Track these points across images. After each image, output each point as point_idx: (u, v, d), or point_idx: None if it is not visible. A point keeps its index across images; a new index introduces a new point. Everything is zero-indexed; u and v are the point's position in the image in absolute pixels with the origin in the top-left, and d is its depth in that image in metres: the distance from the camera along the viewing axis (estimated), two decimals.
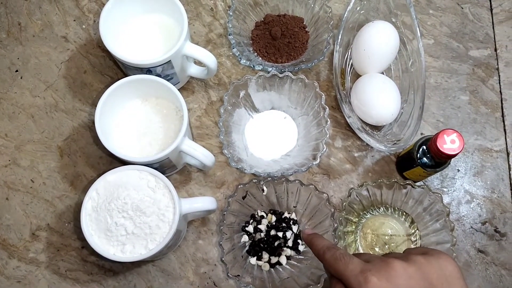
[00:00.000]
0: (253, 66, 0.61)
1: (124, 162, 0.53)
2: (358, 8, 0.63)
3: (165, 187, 0.50)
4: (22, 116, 0.62)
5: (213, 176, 0.60)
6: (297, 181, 0.56)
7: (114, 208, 0.48)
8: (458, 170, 0.62)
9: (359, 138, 0.62)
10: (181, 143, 0.51)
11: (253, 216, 0.58)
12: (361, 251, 0.57)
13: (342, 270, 0.40)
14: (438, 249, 0.55)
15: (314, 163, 0.56)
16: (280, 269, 0.56)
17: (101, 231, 0.48)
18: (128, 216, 0.48)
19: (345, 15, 0.62)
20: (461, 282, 0.40)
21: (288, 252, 0.56)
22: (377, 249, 0.57)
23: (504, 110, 0.64)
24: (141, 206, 0.48)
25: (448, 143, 0.50)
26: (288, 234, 0.57)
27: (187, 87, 0.64)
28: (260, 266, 0.56)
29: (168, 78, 0.57)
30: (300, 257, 0.57)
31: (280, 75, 0.59)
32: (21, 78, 0.64)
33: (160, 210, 0.48)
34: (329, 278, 0.43)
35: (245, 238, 0.57)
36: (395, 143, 0.57)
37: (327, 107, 0.58)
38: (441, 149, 0.50)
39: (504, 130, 0.64)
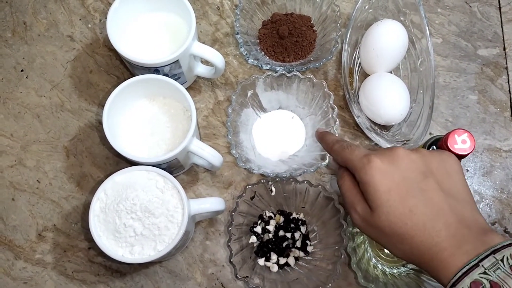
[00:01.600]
0: (261, 66, 0.61)
1: (131, 163, 0.52)
2: (366, 7, 0.62)
3: (173, 188, 0.49)
4: (27, 116, 0.62)
5: (220, 177, 0.60)
6: (305, 182, 0.56)
7: (122, 209, 0.47)
8: (467, 170, 0.62)
9: (367, 138, 0.61)
10: (189, 143, 0.51)
11: (261, 217, 0.58)
12: (370, 252, 0.57)
13: (348, 155, 0.43)
14: None
15: (323, 163, 0.55)
16: (289, 270, 0.56)
17: (110, 232, 0.48)
18: (137, 217, 0.47)
19: (354, 13, 0.62)
20: (461, 176, 0.43)
21: (297, 253, 0.56)
22: (385, 250, 0.57)
23: None
24: (149, 207, 0.48)
25: (459, 143, 0.49)
26: (297, 235, 0.56)
27: (194, 86, 0.63)
28: (269, 267, 0.56)
29: (176, 77, 0.56)
30: (308, 258, 0.56)
31: (288, 75, 0.58)
32: (26, 77, 0.63)
33: (169, 211, 0.48)
34: (337, 171, 0.46)
35: (253, 239, 0.56)
36: (404, 143, 0.57)
37: (335, 107, 0.57)
38: (452, 149, 0.49)
39: None
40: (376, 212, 0.40)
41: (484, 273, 0.36)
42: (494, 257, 0.36)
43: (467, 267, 0.36)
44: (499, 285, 0.35)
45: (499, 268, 0.36)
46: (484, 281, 0.35)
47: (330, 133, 0.49)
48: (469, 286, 0.36)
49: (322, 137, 0.49)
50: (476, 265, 0.36)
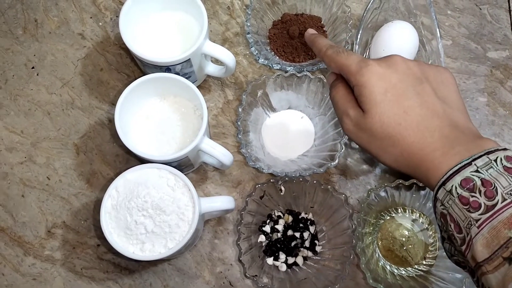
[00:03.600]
0: (271, 66, 0.61)
1: (142, 161, 0.53)
2: (377, 8, 0.62)
3: (184, 186, 0.49)
4: (38, 113, 0.62)
5: (229, 176, 0.60)
6: (314, 182, 0.56)
7: (134, 206, 0.48)
8: None
9: None
10: (201, 142, 0.51)
11: (270, 216, 0.58)
12: (379, 253, 0.57)
13: (344, 60, 0.42)
14: None
15: (332, 163, 0.56)
16: (297, 270, 0.56)
17: (121, 229, 0.48)
18: (148, 215, 0.48)
19: (364, 14, 0.62)
20: (456, 88, 0.43)
21: (305, 252, 0.56)
22: (394, 251, 0.57)
23: None
24: (161, 205, 0.48)
25: None
26: (305, 234, 0.56)
27: (204, 85, 0.63)
28: (277, 266, 0.56)
29: (186, 76, 0.56)
30: (317, 258, 0.57)
31: (299, 75, 0.59)
32: (37, 75, 0.64)
33: (179, 209, 0.48)
34: (329, 85, 0.45)
35: (262, 238, 0.57)
36: None
37: None
38: None
39: None
40: (369, 113, 0.39)
41: (476, 171, 0.35)
42: (487, 157, 0.35)
43: (459, 166, 0.36)
44: (490, 182, 0.34)
45: (492, 167, 0.35)
46: (476, 178, 0.35)
47: (322, 36, 0.47)
48: (459, 183, 0.35)
49: (313, 39, 0.47)
50: (469, 164, 0.35)
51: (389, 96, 0.39)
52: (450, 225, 0.36)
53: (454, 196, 0.35)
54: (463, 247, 0.35)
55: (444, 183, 0.36)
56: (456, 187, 0.35)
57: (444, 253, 0.55)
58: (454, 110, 0.41)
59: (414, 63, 0.41)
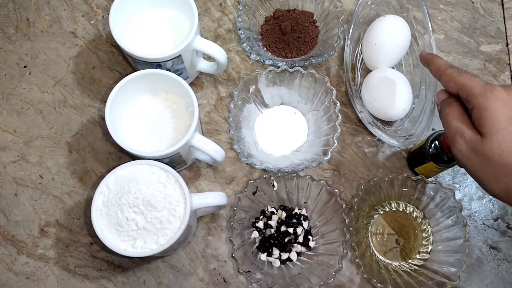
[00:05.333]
0: (263, 61, 0.61)
1: (133, 157, 0.52)
2: (369, 2, 0.62)
3: (175, 182, 0.49)
4: (30, 112, 0.62)
5: (222, 172, 0.60)
6: (307, 177, 0.56)
7: (125, 203, 0.47)
8: None
9: (369, 134, 0.61)
10: (191, 138, 0.51)
11: (263, 212, 0.58)
12: (373, 248, 0.57)
13: (467, 80, 0.40)
14: (451, 245, 0.54)
15: (325, 158, 0.55)
16: (291, 265, 0.56)
17: (112, 226, 0.48)
18: (139, 211, 0.47)
19: (356, 9, 0.62)
20: None
21: (299, 248, 0.56)
22: (388, 246, 0.57)
23: None
24: (152, 201, 0.48)
25: None
26: (299, 230, 0.56)
27: (196, 82, 0.63)
28: (271, 262, 0.56)
29: (178, 73, 0.56)
30: (310, 253, 0.56)
31: (291, 70, 0.58)
32: (29, 73, 0.63)
33: (171, 205, 0.48)
34: (440, 105, 0.43)
35: (255, 234, 0.56)
36: (407, 138, 0.57)
37: (338, 102, 0.57)
38: None
39: None
40: (488, 139, 0.38)
41: None
42: None
43: None
44: None
45: None
46: None
47: (439, 56, 0.45)
48: None
49: (430, 59, 0.45)
50: None
51: None
52: None
53: None
54: None
55: None
56: None
57: (439, 247, 0.55)
58: None
59: None
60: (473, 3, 0.68)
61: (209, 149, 0.52)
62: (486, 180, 0.39)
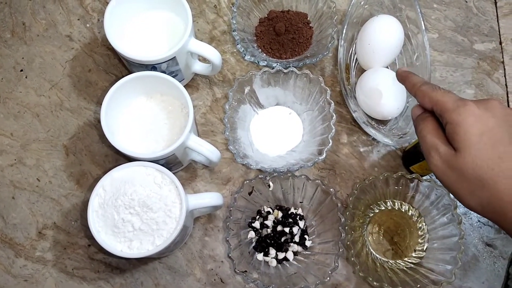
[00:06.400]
0: (258, 62, 0.61)
1: (130, 159, 0.53)
2: (362, 3, 0.63)
3: (171, 183, 0.50)
4: (27, 115, 0.62)
5: (218, 173, 0.60)
6: (303, 176, 0.56)
7: (121, 204, 0.48)
8: None
9: (364, 133, 0.62)
10: (187, 139, 0.51)
11: (259, 212, 0.58)
12: (369, 246, 0.57)
13: (440, 96, 0.41)
14: (446, 243, 0.55)
15: (320, 158, 0.56)
16: (287, 265, 0.56)
17: (108, 227, 0.48)
18: (135, 212, 0.48)
19: (349, 9, 0.62)
20: None
21: (295, 247, 0.56)
22: (384, 244, 0.57)
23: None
24: (147, 202, 0.48)
25: None
26: (295, 229, 0.56)
27: (192, 84, 0.64)
28: (267, 262, 0.56)
29: (173, 75, 0.57)
30: (307, 252, 0.57)
31: (285, 71, 0.59)
32: (26, 77, 0.64)
33: (167, 206, 0.48)
34: (415, 120, 0.44)
35: (252, 234, 0.57)
36: (401, 137, 0.57)
37: (332, 102, 0.58)
38: None
39: None
40: (461, 154, 0.38)
41: None
42: None
43: None
44: None
45: None
46: None
47: (414, 74, 0.46)
48: None
49: (405, 76, 0.46)
50: None
51: (484, 139, 0.38)
52: None
53: None
54: None
55: None
56: None
57: (434, 245, 0.55)
58: None
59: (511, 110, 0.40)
60: (466, 2, 0.69)
61: (205, 150, 0.52)
62: (461, 194, 0.40)
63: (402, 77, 0.47)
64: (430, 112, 0.43)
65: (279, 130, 0.62)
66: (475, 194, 0.39)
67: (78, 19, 0.67)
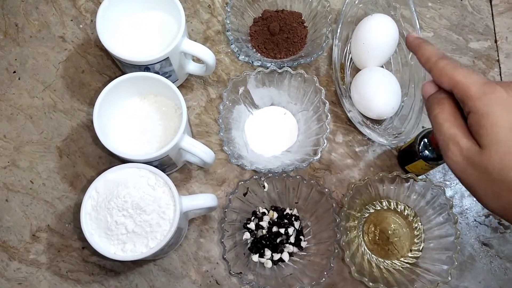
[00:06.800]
0: (252, 62, 0.61)
1: (123, 161, 0.52)
2: (356, 2, 0.62)
3: (165, 185, 0.49)
4: (20, 117, 0.62)
5: (213, 174, 0.60)
6: (298, 177, 0.56)
7: (114, 206, 0.47)
8: None
9: (360, 133, 0.61)
10: (180, 140, 0.51)
11: (254, 213, 0.58)
12: (364, 246, 0.57)
13: (462, 77, 0.34)
14: (442, 243, 0.54)
15: (315, 158, 0.55)
16: (283, 266, 0.56)
17: (101, 230, 0.48)
18: (128, 215, 0.47)
19: (344, 9, 0.62)
20: None
21: (291, 248, 0.56)
22: (380, 244, 0.57)
23: None
24: (141, 204, 0.48)
25: None
26: (290, 230, 0.56)
27: (186, 84, 0.63)
28: (263, 263, 0.56)
29: (167, 75, 0.56)
30: (302, 253, 0.56)
31: (279, 71, 0.58)
32: (19, 79, 0.63)
33: (160, 208, 0.48)
34: (427, 100, 0.37)
35: (247, 235, 0.56)
36: (396, 137, 0.57)
37: (327, 102, 0.57)
38: None
39: None
40: (487, 151, 0.32)
41: None
42: None
43: None
44: None
45: None
46: None
47: (429, 43, 0.38)
48: None
49: (417, 45, 0.38)
50: None
51: None
52: None
53: None
54: None
55: None
56: None
57: (430, 245, 0.55)
58: None
59: None
60: (461, 0, 0.68)
61: (199, 151, 0.52)
62: (482, 194, 0.34)
63: (413, 46, 0.39)
64: (446, 92, 0.36)
65: (274, 131, 0.61)
66: (500, 196, 0.33)
67: (71, 20, 0.66)
